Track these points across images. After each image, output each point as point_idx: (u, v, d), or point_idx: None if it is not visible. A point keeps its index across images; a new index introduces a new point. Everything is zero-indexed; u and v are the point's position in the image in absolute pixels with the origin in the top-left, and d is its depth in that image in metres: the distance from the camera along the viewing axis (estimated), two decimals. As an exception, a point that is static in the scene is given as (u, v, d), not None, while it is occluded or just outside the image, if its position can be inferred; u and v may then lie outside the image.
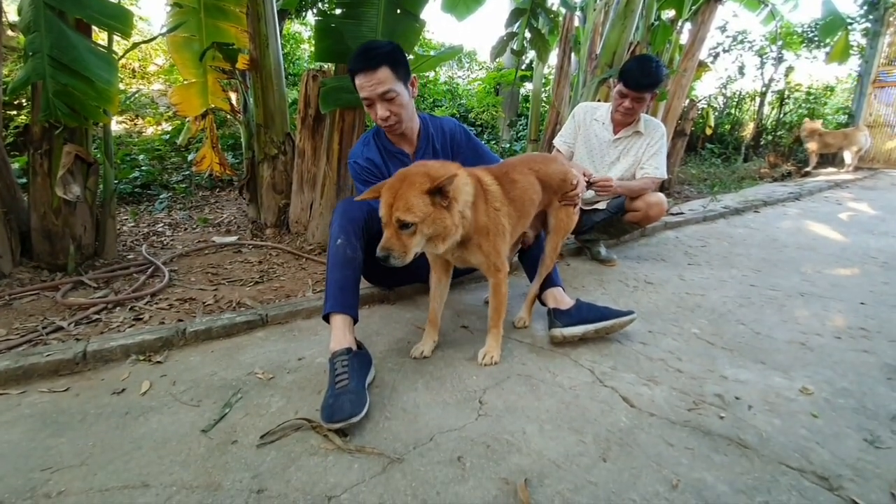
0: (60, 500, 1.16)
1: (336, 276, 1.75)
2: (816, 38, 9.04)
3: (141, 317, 2.20)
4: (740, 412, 1.55)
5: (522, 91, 8.50)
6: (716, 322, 2.25)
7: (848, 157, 8.41)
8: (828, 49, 7.55)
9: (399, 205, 1.44)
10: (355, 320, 1.74)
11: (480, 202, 1.70)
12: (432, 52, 6.17)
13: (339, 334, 1.66)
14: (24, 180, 2.83)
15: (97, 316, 2.19)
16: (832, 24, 5.99)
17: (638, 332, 2.10)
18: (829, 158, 8.91)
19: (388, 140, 2.06)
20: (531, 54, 5.75)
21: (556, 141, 3.17)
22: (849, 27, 6.34)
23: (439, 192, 1.48)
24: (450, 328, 2.13)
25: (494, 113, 8.13)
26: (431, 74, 9.16)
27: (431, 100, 8.93)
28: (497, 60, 7.58)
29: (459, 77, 11.71)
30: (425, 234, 1.50)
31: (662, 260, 3.25)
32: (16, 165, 3.37)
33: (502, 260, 1.80)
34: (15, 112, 4.60)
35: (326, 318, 1.73)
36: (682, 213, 4.48)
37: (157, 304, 2.34)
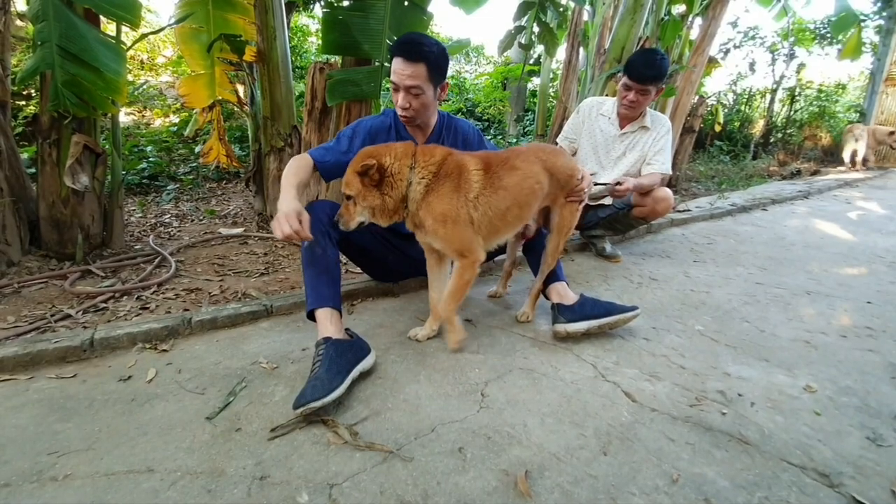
0: (67, 484, 1.18)
1: (309, 276, 1.78)
2: (829, 35, 8.94)
3: (147, 306, 2.22)
4: (742, 409, 1.55)
5: (530, 86, 8.47)
6: (720, 319, 2.25)
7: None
8: (840, 46, 7.46)
9: (345, 179, 1.69)
10: (336, 310, 1.74)
11: (445, 188, 1.70)
12: (439, 46, 6.14)
13: (321, 327, 1.69)
14: (32, 170, 2.86)
15: (104, 304, 2.21)
16: (845, 21, 5.91)
17: (641, 328, 2.10)
18: (839, 156, 8.82)
19: (402, 126, 2.11)
20: (539, 49, 5.73)
21: (559, 138, 3.17)
22: (861, 24, 6.25)
23: (366, 174, 1.63)
24: (453, 321, 2.14)
25: (501, 108, 8.10)
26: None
27: (438, 94, 8.88)
28: (504, 55, 7.55)
29: (466, 71, 11.67)
30: (364, 207, 1.68)
31: (668, 257, 3.24)
32: (25, 155, 3.40)
33: (468, 247, 1.77)
34: (24, 102, 4.64)
35: (311, 316, 1.75)
36: (688, 210, 4.45)
37: (163, 293, 2.36)
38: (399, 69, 1.84)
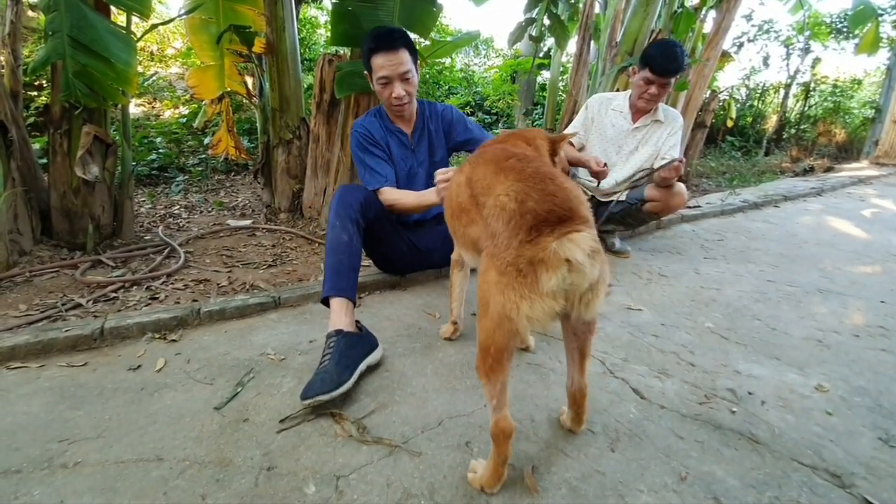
0: (77, 471, 1.19)
1: (332, 261, 1.77)
2: (845, 29, 8.76)
3: (157, 296, 2.23)
4: (753, 407, 1.53)
5: (539, 79, 8.38)
6: (730, 317, 2.22)
7: None
8: (857, 40, 7.30)
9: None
10: (352, 301, 1.74)
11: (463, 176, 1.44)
12: (448, 38, 6.10)
13: (334, 317, 1.68)
14: (44, 160, 2.88)
15: (114, 294, 2.23)
16: (862, 15, 5.78)
17: (651, 324, 2.08)
18: (853, 152, 8.68)
19: (388, 119, 2.20)
20: (549, 41, 5.66)
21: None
22: (879, 18, 6.10)
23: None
24: (460, 315, 2.13)
25: (510, 101, 8.04)
26: (447, 61, 9.04)
27: (447, 87, 8.82)
28: (514, 47, 7.48)
29: (475, 64, 11.56)
30: None
31: (678, 253, 3.21)
32: (36, 146, 3.42)
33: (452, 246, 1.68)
34: (35, 93, 4.67)
35: (326, 302, 1.74)
36: (699, 207, 4.40)
37: (172, 284, 2.38)
38: (387, 62, 1.91)
